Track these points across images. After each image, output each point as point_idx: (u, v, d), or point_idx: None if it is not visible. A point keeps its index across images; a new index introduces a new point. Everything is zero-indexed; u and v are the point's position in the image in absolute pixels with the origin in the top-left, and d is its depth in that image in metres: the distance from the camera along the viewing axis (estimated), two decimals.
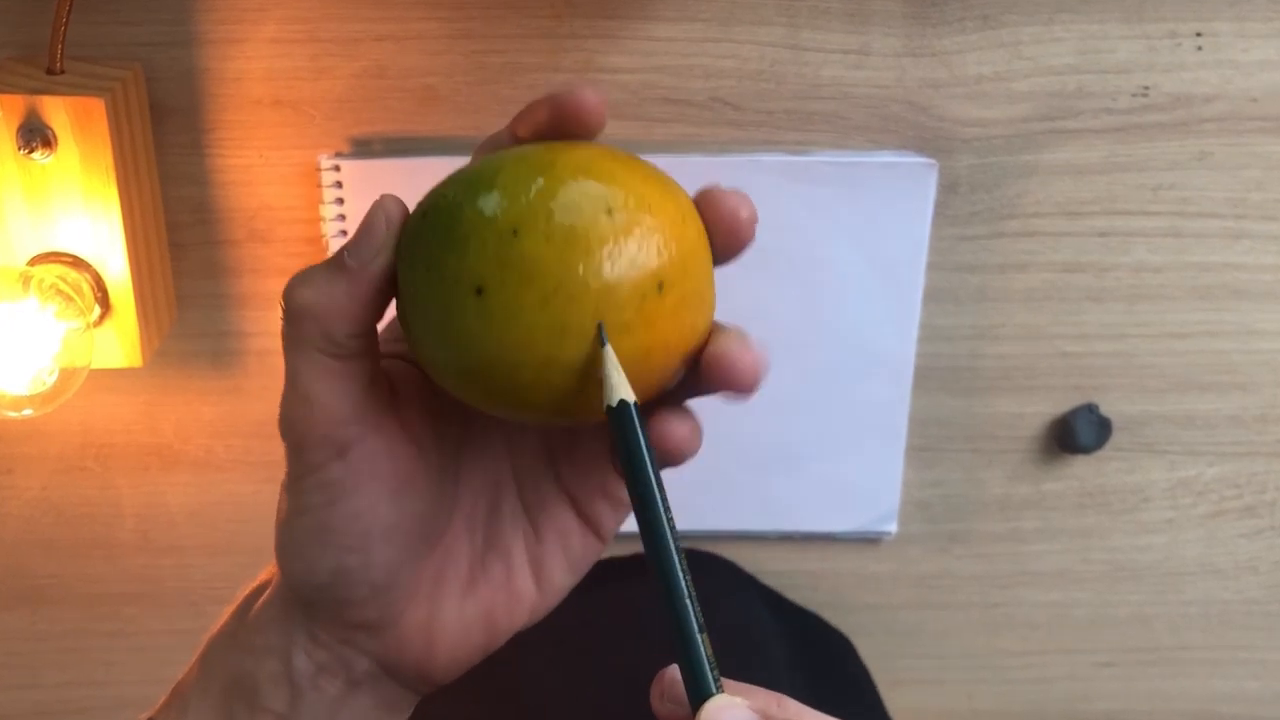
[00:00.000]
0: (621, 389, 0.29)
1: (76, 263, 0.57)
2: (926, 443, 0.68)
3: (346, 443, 0.31)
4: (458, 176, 0.31)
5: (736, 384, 0.30)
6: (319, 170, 0.60)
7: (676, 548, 0.29)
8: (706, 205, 0.31)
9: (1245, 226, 0.63)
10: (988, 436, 0.68)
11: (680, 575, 0.29)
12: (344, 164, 0.60)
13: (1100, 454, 0.68)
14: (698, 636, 0.28)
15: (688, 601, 0.28)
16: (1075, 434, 0.67)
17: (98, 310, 0.58)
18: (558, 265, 0.29)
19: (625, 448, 0.30)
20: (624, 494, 0.33)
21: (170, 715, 0.35)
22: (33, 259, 0.57)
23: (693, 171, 0.59)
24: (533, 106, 0.32)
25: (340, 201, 0.61)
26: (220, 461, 0.67)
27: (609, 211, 0.29)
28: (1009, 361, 0.67)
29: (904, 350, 0.65)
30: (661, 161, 0.58)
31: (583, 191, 0.29)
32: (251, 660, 0.34)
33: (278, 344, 0.61)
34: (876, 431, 0.67)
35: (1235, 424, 0.68)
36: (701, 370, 0.31)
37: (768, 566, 0.71)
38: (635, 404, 0.29)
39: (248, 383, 0.66)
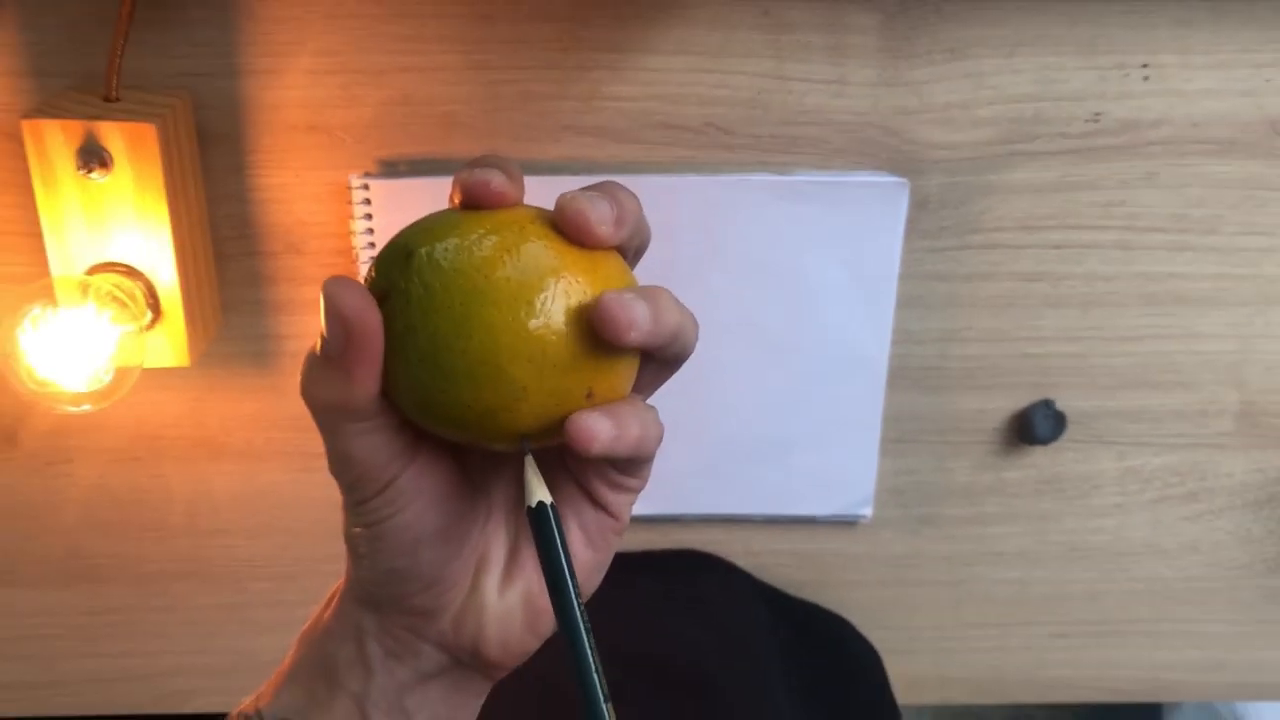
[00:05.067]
0: (539, 491, 0.29)
1: (131, 272, 0.57)
2: (899, 435, 0.68)
3: (387, 481, 0.31)
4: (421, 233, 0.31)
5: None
6: (349, 189, 0.60)
7: (591, 645, 0.29)
8: (557, 214, 0.30)
9: (1188, 239, 0.63)
10: (955, 430, 0.68)
11: (593, 669, 0.29)
12: (372, 183, 0.60)
13: (1056, 445, 0.68)
14: None
15: (599, 691, 0.28)
16: (1034, 427, 0.66)
17: (150, 315, 0.57)
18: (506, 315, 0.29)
19: (543, 548, 0.29)
20: (621, 477, 0.33)
21: (267, 696, 0.35)
22: (91, 268, 0.57)
23: (687, 190, 0.60)
24: (456, 182, 0.31)
25: (369, 217, 0.60)
26: (260, 452, 0.67)
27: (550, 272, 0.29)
28: (974, 362, 0.66)
29: (879, 352, 0.64)
30: (660, 181, 0.60)
31: (531, 254, 0.29)
32: (332, 644, 0.35)
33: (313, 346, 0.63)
34: (854, 425, 0.66)
35: (1179, 418, 0.68)
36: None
37: (755, 546, 0.71)
38: (553, 506, 0.29)
39: (285, 381, 0.65)
